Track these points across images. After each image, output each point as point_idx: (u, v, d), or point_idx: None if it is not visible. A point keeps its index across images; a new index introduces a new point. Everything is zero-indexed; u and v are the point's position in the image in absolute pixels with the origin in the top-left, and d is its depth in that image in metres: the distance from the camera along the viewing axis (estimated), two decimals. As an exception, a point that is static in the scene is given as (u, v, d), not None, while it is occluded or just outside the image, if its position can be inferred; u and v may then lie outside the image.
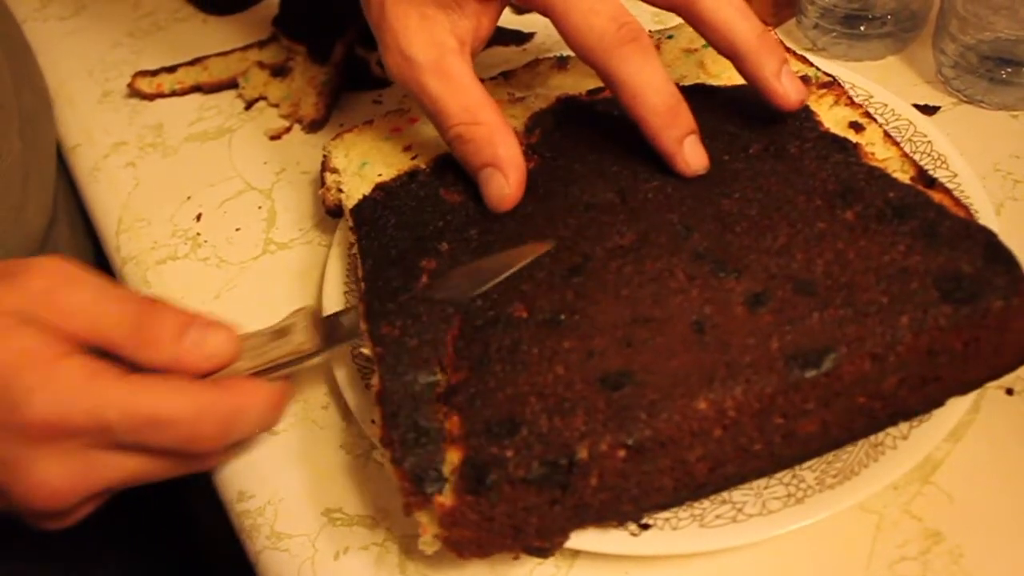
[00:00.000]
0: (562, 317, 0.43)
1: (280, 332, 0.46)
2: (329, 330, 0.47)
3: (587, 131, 0.51)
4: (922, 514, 0.44)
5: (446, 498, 0.39)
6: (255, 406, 0.44)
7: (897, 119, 0.55)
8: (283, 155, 0.66)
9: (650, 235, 0.46)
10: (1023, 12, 0.56)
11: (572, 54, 0.57)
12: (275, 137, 0.67)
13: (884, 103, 0.56)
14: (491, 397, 0.42)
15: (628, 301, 0.43)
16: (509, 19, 0.70)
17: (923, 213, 0.45)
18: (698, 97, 0.51)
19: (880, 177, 0.47)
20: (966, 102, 0.60)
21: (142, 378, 0.42)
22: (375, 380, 0.44)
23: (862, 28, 0.62)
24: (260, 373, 0.46)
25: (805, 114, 0.50)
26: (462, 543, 0.41)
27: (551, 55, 0.58)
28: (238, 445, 0.49)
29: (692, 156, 0.47)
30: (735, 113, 0.51)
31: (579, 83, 0.55)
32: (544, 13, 0.48)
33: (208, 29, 0.77)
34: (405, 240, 0.49)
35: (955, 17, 0.58)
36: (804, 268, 0.43)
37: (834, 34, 0.62)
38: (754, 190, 0.47)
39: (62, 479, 0.41)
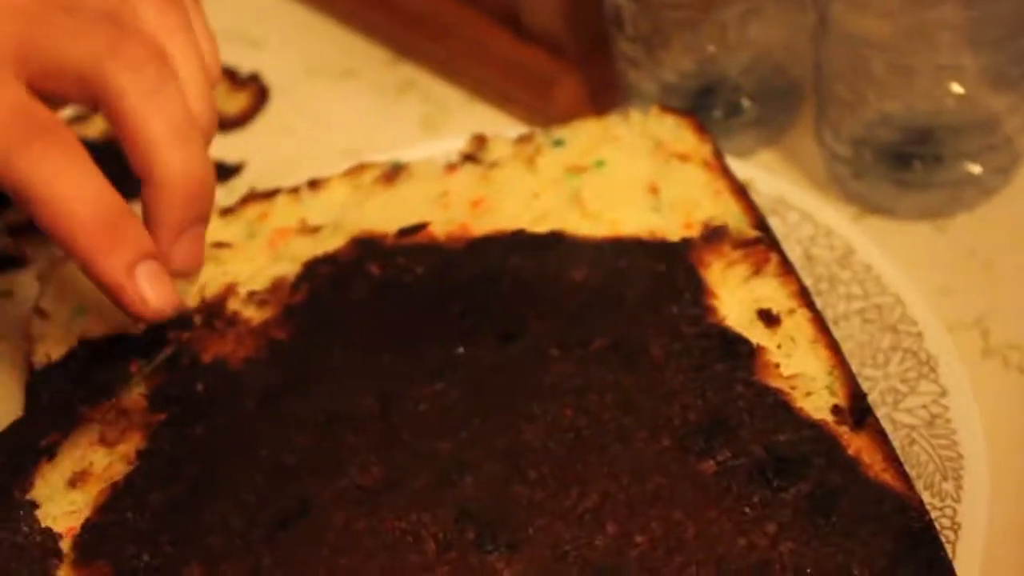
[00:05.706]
0: None
1: None
2: None
3: (370, 297, 0.37)
4: None
5: None
6: None
7: (867, 272, 0.38)
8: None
9: (405, 473, 0.31)
10: (922, 83, 0.38)
11: (411, 161, 0.43)
12: None
13: (852, 249, 0.39)
14: None
15: None
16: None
17: (821, 473, 0.29)
18: (542, 253, 0.37)
19: (772, 407, 0.31)
20: (872, 212, 0.42)
21: None
22: None
23: (715, 113, 0.45)
24: None
25: (693, 295, 0.35)
26: None
27: (380, 161, 0.43)
28: None
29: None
30: (575, 284, 0.36)
31: (401, 213, 0.40)
32: None
33: None
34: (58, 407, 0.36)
35: (832, 100, 0.40)
36: (613, 548, 0.28)
37: None
38: (575, 412, 0.32)
39: None
